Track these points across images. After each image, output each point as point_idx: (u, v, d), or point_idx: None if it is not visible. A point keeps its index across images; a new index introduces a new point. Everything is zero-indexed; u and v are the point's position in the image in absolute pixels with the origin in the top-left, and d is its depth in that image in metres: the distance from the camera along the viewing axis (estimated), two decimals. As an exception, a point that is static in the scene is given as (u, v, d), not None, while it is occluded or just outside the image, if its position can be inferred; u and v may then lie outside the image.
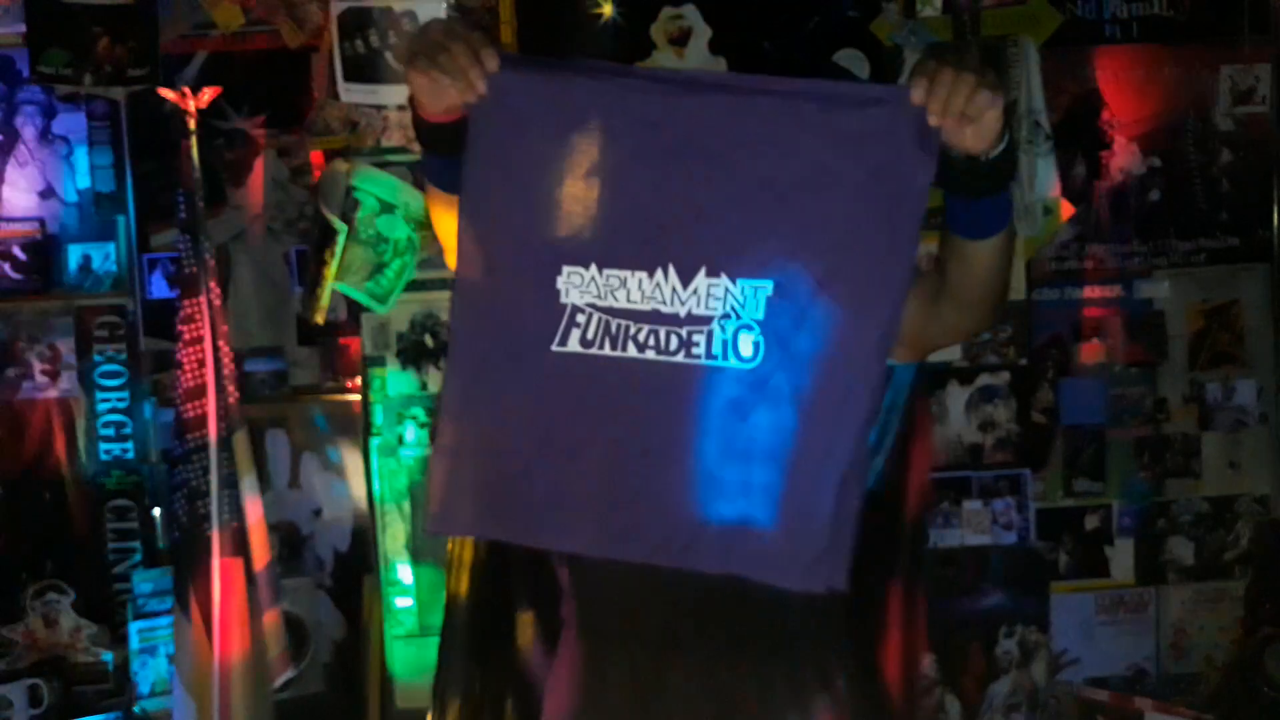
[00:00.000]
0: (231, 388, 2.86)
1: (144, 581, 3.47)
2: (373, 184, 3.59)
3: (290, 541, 3.63)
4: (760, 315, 1.60)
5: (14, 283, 3.68)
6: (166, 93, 2.88)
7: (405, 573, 3.61)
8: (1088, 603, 3.75)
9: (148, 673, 3.31)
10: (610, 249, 1.63)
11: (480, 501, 1.71)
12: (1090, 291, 3.75)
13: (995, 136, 1.55)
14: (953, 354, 3.67)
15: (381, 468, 3.59)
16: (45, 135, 3.71)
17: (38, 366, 3.68)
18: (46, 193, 3.71)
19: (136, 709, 3.29)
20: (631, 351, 1.62)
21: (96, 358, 3.70)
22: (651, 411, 1.64)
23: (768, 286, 1.60)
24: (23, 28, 3.55)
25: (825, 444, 1.63)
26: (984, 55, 3.57)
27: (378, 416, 3.62)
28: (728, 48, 3.64)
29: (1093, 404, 3.75)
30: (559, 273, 1.64)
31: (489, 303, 1.67)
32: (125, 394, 3.70)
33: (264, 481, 3.25)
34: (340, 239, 3.60)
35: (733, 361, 1.61)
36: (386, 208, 3.59)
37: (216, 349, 2.82)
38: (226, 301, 3.35)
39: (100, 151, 3.68)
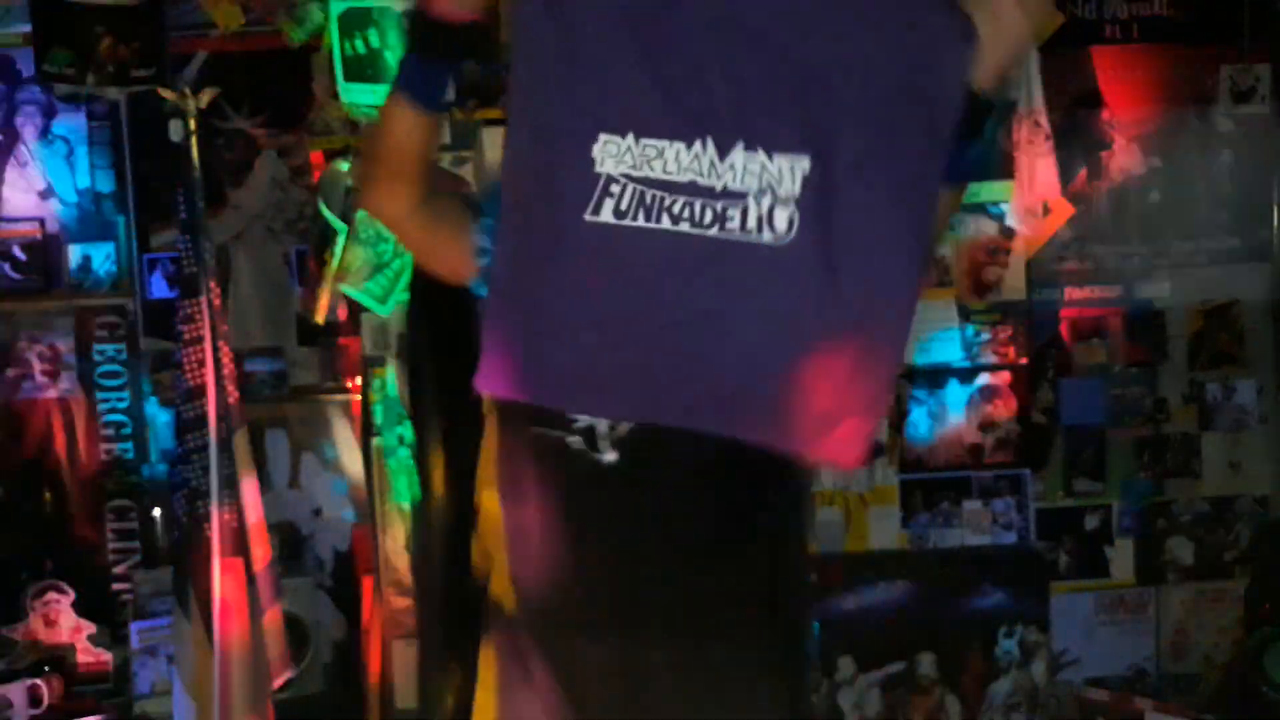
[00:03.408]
0: (231, 388, 2.86)
1: (144, 582, 3.48)
2: (373, 184, 3.59)
3: (290, 541, 3.64)
4: (796, 191, 1.59)
5: (14, 283, 3.68)
6: (166, 93, 2.88)
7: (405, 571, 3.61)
8: (1088, 603, 3.75)
9: (148, 673, 3.31)
10: (649, 118, 1.61)
11: (519, 365, 1.73)
12: (1090, 291, 3.75)
13: (1006, 67, 1.61)
14: (952, 354, 3.67)
15: (381, 468, 3.59)
16: (45, 135, 3.71)
17: (38, 366, 3.69)
18: (46, 193, 3.71)
19: (136, 709, 3.29)
20: (665, 223, 1.60)
21: (96, 358, 3.70)
22: (684, 283, 1.63)
23: (804, 163, 1.59)
24: (23, 27, 3.55)
25: (864, 320, 1.62)
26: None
27: (378, 416, 3.62)
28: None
29: (1093, 404, 3.76)
30: (595, 140, 1.62)
31: (530, 171, 1.68)
32: (125, 394, 3.70)
33: (264, 481, 3.25)
34: (340, 239, 3.60)
35: (766, 236, 1.59)
36: (386, 208, 3.59)
37: (216, 349, 2.82)
38: (226, 301, 3.35)
39: (100, 151, 3.69)
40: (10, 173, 3.70)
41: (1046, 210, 3.64)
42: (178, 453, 2.85)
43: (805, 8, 1.61)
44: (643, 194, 1.61)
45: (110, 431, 3.70)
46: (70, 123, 3.71)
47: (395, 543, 3.59)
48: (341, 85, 3.58)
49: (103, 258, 3.71)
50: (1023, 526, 3.70)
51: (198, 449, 2.80)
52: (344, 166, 3.53)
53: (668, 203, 1.60)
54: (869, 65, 1.59)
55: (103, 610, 3.56)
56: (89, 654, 3.45)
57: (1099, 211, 3.76)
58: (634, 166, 1.62)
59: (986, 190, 3.63)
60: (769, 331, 1.63)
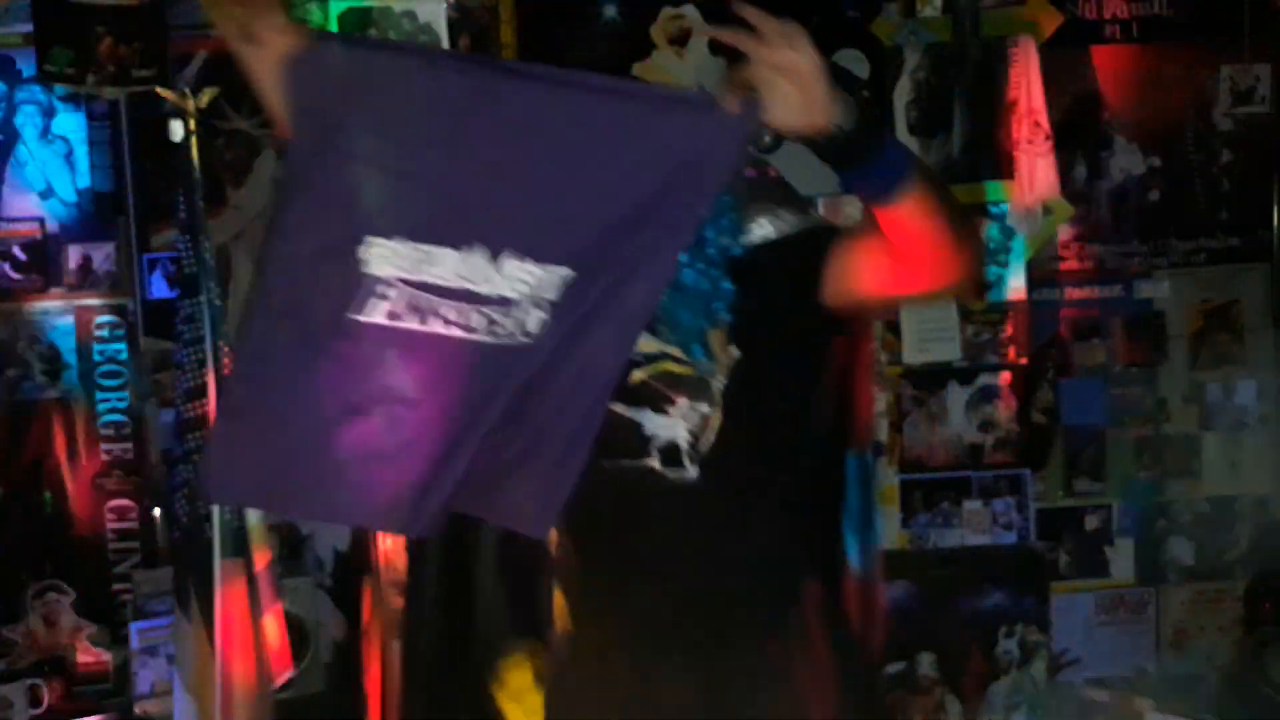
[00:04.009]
0: (232, 388, 2.86)
1: (144, 582, 3.48)
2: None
3: (290, 541, 3.63)
4: (556, 297, 1.63)
5: (14, 283, 3.68)
6: (166, 93, 2.88)
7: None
8: (1088, 603, 3.75)
9: (148, 673, 3.31)
10: (419, 223, 1.62)
11: (259, 469, 1.71)
12: (1090, 291, 3.75)
13: (818, 114, 1.55)
14: (952, 354, 3.67)
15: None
16: (45, 135, 3.71)
17: (38, 366, 3.68)
18: (46, 193, 3.71)
19: (136, 709, 3.29)
20: (436, 327, 1.63)
21: (96, 358, 3.70)
22: (433, 383, 1.66)
23: (567, 272, 1.63)
24: (23, 27, 3.55)
25: (572, 409, 1.70)
26: (982, 54, 3.58)
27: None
28: (728, 48, 3.63)
29: (1093, 404, 3.76)
30: (360, 242, 1.62)
31: (292, 268, 1.67)
32: (125, 394, 3.70)
33: (264, 481, 3.25)
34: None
35: (521, 339, 1.64)
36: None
37: (216, 349, 2.81)
38: (226, 301, 3.35)
39: (100, 151, 3.68)
40: (10, 173, 3.70)
41: (1046, 210, 3.64)
42: (178, 453, 2.85)
43: (570, 119, 1.61)
44: (414, 297, 1.63)
45: (110, 431, 3.70)
46: (70, 123, 3.70)
47: (395, 542, 3.59)
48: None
49: (103, 258, 3.71)
50: (1023, 526, 3.70)
51: (198, 449, 2.80)
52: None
53: (440, 308, 1.63)
54: (634, 173, 1.61)
55: (103, 610, 3.56)
56: (89, 654, 3.45)
57: (1099, 211, 3.76)
58: (408, 270, 1.62)
59: (986, 190, 3.64)
60: (506, 421, 1.68)
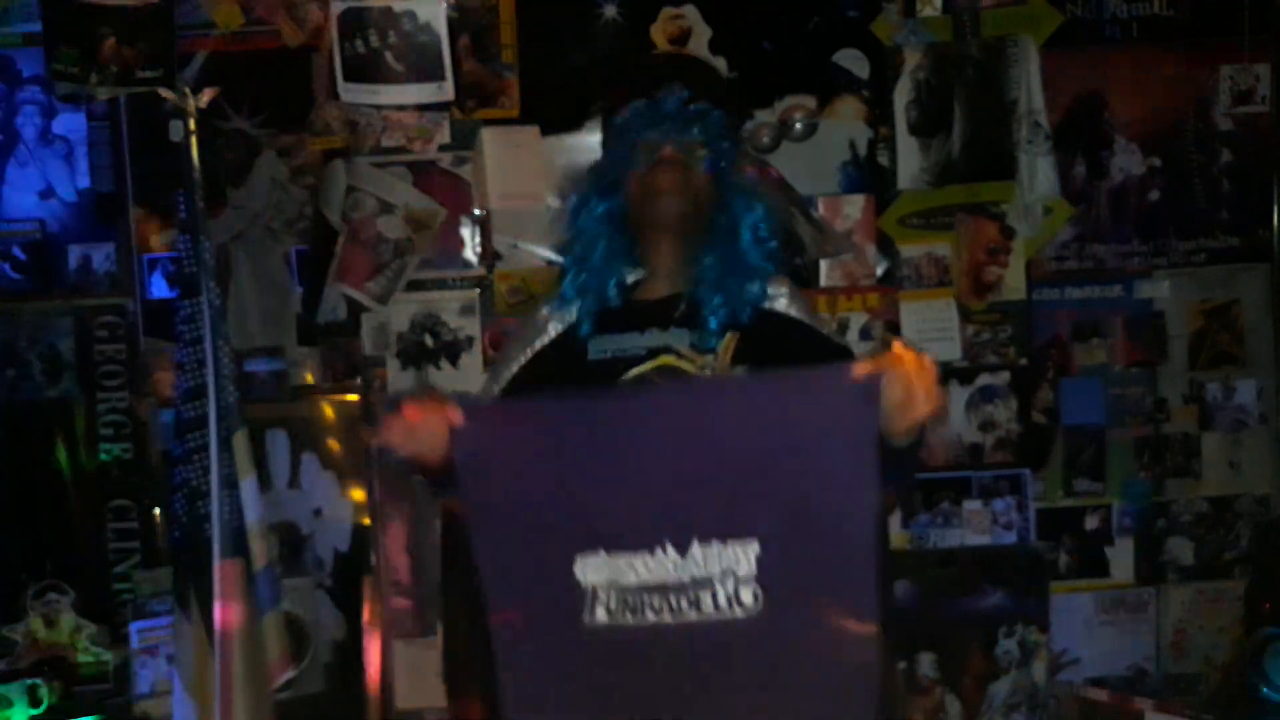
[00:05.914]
0: (231, 388, 2.86)
1: (144, 582, 3.48)
2: (372, 184, 3.60)
3: (290, 541, 3.63)
4: (753, 569, 1.85)
5: (14, 283, 3.68)
6: (167, 93, 2.89)
7: (404, 572, 3.61)
8: (1088, 603, 3.75)
9: (148, 673, 3.31)
10: (612, 536, 1.89)
11: None
12: (1090, 291, 3.75)
13: (913, 417, 1.84)
14: (952, 354, 3.67)
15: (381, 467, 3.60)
16: (45, 135, 3.71)
17: (38, 366, 3.69)
18: (46, 193, 3.71)
19: (136, 709, 3.29)
20: (650, 617, 1.88)
21: (96, 358, 3.70)
22: (681, 664, 1.89)
23: (754, 544, 1.85)
24: (23, 28, 3.55)
25: (832, 664, 1.87)
26: (983, 61, 3.58)
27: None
28: (728, 48, 3.64)
29: (1093, 404, 3.75)
30: (573, 562, 1.89)
31: (517, 594, 1.93)
32: (125, 394, 3.70)
33: (264, 481, 3.25)
34: (340, 239, 3.60)
35: (738, 612, 1.86)
36: (386, 208, 3.60)
37: (216, 349, 2.81)
38: (226, 301, 3.35)
39: (100, 151, 3.68)
40: (10, 173, 3.70)
41: (1046, 210, 3.64)
42: (178, 453, 2.85)
43: (720, 416, 1.88)
44: (625, 598, 1.89)
45: (110, 431, 3.70)
46: (70, 123, 3.71)
47: (395, 543, 3.60)
48: (341, 85, 3.58)
49: (103, 258, 3.71)
50: (1023, 526, 3.70)
51: (198, 449, 2.80)
52: (343, 166, 3.54)
53: (646, 600, 1.88)
54: (790, 443, 1.84)
55: (103, 610, 3.56)
56: (89, 654, 3.45)
57: (1099, 211, 3.76)
58: (612, 575, 1.89)
59: (986, 190, 3.64)
60: (755, 690, 1.89)
